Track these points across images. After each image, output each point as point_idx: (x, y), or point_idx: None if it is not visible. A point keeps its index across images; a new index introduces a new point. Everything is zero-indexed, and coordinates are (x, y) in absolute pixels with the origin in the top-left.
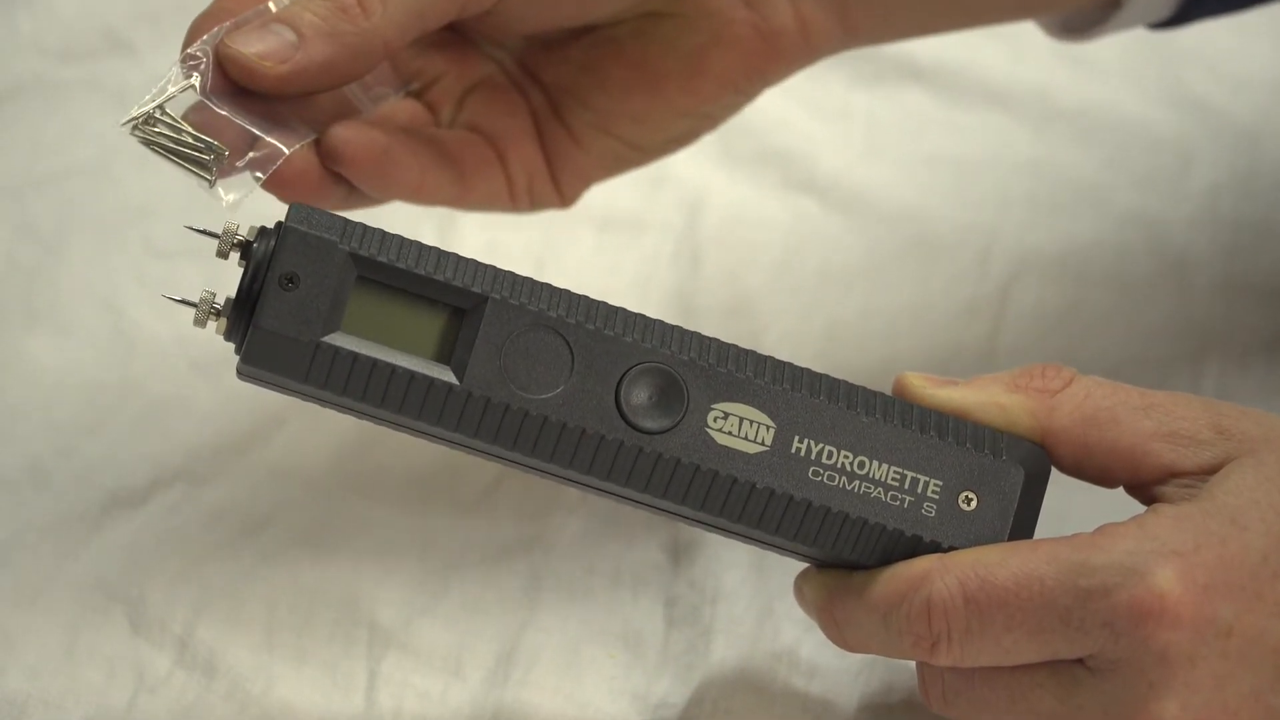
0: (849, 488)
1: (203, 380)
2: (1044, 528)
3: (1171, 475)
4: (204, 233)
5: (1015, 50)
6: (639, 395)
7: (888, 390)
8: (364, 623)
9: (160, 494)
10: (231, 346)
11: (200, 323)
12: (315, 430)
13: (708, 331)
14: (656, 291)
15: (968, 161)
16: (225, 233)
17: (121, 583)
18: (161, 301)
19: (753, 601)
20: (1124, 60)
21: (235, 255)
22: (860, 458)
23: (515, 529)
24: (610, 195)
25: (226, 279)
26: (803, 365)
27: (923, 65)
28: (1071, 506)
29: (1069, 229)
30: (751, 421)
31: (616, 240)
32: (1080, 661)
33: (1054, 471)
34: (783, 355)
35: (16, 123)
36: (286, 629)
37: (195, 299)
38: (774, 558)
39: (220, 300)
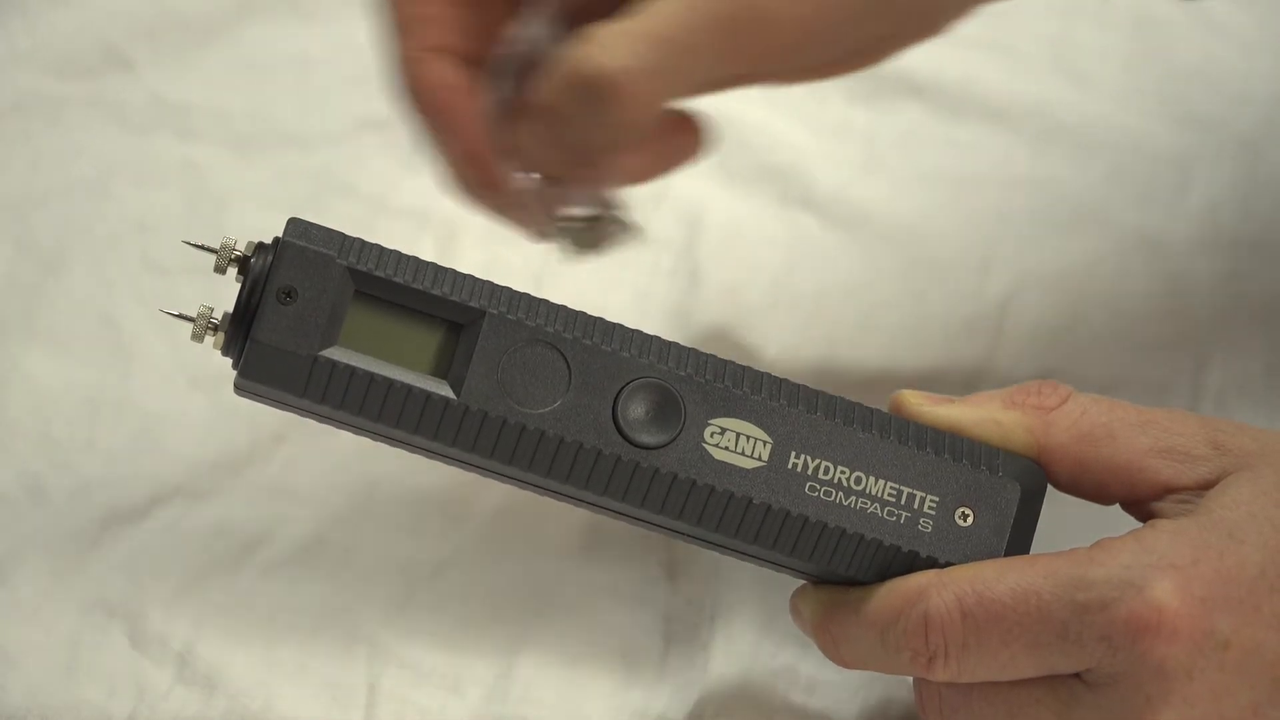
0: (846, 503)
1: (201, 396)
2: (1040, 544)
3: (1168, 491)
4: (202, 248)
5: (1014, 66)
6: (636, 410)
7: (885, 407)
8: (363, 639)
9: (159, 510)
10: (229, 362)
11: (198, 337)
12: (314, 446)
13: (705, 347)
14: (655, 307)
15: (966, 178)
16: (223, 248)
17: (121, 599)
18: (160, 317)
19: (751, 618)
20: (1123, 76)
21: (233, 271)
22: (857, 473)
23: (514, 545)
24: None
25: (225, 295)
26: (800, 381)
27: (921, 81)
28: (1068, 523)
29: (1068, 245)
30: (748, 437)
31: (614, 256)
32: (1078, 676)
33: (1050, 489)
34: (780, 371)
35: (16, 139)
36: (286, 645)
37: (193, 314)
38: (772, 574)
39: (218, 315)
